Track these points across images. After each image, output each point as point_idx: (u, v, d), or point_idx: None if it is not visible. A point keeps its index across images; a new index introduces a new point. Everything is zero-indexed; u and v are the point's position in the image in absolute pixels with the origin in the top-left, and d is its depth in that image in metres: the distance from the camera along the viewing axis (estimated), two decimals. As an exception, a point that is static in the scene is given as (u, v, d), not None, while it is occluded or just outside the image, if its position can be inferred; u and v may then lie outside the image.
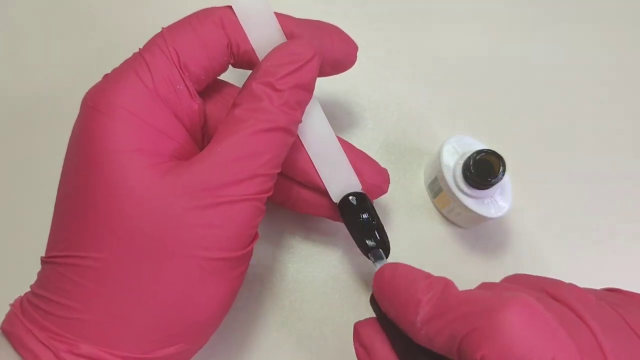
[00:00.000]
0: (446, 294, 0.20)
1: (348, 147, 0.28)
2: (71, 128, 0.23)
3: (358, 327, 0.24)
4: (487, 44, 0.40)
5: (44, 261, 0.22)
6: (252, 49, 0.24)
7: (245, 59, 0.25)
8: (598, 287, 0.34)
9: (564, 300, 0.20)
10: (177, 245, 0.21)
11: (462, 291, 0.21)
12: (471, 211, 0.31)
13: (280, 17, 0.25)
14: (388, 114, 0.37)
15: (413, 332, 0.21)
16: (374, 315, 0.25)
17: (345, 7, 0.39)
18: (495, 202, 0.31)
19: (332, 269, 0.32)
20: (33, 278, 0.23)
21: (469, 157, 0.30)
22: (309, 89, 0.24)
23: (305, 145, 0.26)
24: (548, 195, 0.36)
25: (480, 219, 0.31)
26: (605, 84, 0.39)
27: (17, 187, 0.33)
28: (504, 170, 0.29)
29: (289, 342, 0.30)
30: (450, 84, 0.38)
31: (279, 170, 0.24)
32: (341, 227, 0.30)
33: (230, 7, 0.24)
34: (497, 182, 0.30)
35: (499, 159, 0.30)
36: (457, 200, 0.31)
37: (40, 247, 0.23)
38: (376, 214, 0.27)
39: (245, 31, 0.24)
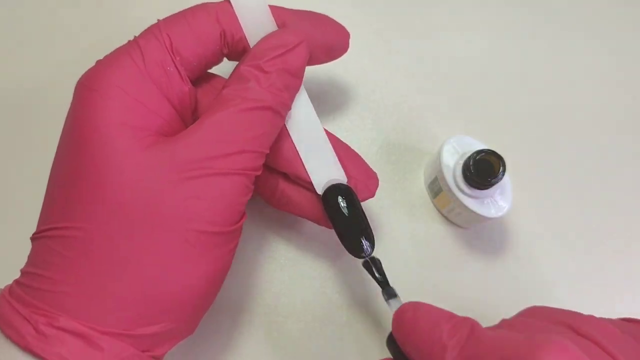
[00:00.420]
0: (474, 339, 0.20)
1: (337, 144, 0.28)
2: (61, 120, 0.23)
3: None
4: (487, 44, 0.40)
5: (33, 238, 0.22)
6: (245, 38, 0.25)
7: (239, 49, 0.25)
8: (598, 287, 0.34)
9: (590, 336, 0.20)
10: (161, 216, 0.21)
11: (490, 333, 0.20)
12: (471, 211, 0.31)
13: (273, 8, 0.26)
14: (388, 114, 0.37)
15: None
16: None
17: (345, 7, 0.39)
18: (495, 202, 0.31)
19: (333, 268, 0.32)
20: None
21: (469, 157, 0.30)
22: (296, 74, 0.24)
23: (290, 133, 0.26)
24: (548, 195, 0.36)
25: (480, 219, 0.31)
26: (605, 84, 0.39)
27: (12, 179, 0.33)
28: (504, 170, 0.29)
29: (289, 342, 0.30)
30: (450, 84, 0.38)
31: (267, 151, 0.24)
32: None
33: (225, 2, 0.25)
34: (497, 182, 0.30)
35: (499, 159, 0.30)
36: (457, 200, 0.31)
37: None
38: (361, 207, 0.26)
39: (240, 21, 0.25)
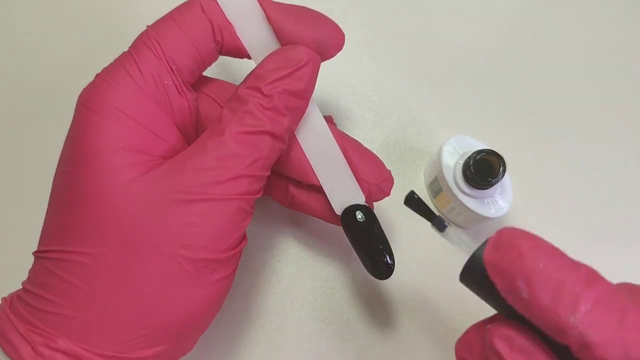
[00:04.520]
0: (620, 297, 0.17)
1: (349, 143, 0.27)
2: (65, 125, 0.23)
3: (509, 334, 0.19)
4: (487, 44, 0.40)
5: (34, 256, 0.23)
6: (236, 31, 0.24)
7: (231, 45, 0.24)
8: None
9: None
10: (158, 242, 0.21)
11: None
12: (471, 211, 0.31)
13: (262, 2, 0.25)
14: (388, 113, 0.37)
15: (561, 327, 0.17)
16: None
17: (345, 7, 0.39)
18: (495, 202, 0.31)
19: (333, 268, 0.32)
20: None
21: (469, 157, 0.30)
22: (301, 95, 0.24)
23: (304, 151, 0.26)
24: (548, 195, 0.36)
25: (481, 219, 0.31)
26: (606, 84, 0.39)
27: (14, 184, 0.33)
28: (504, 170, 0.29)
29: (289, 342, 0.30)
30: (450, 84, 0.38)
31: (267, 173, 0.23)
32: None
33: None
34: (497, 182, 0.30)
35: (499, 159, 0.30)
36: (457, 200, 0.31)
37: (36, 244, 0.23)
38: (380, 226, 0.27)
39: (227, 17, 0.24)
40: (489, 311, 0.24)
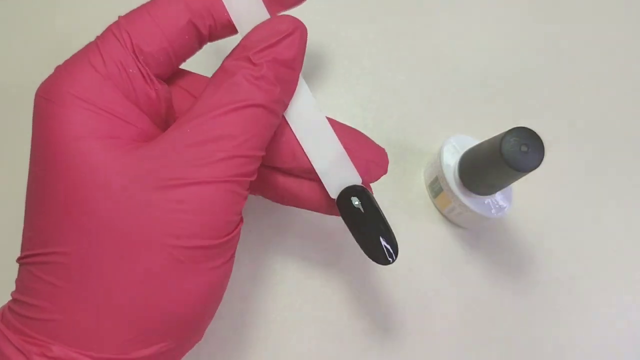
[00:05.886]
0: None
1: (338, 126, 0.26)
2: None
3: None
4: (487, 43, 0.40)
5: (19, 263, 0.22)
6: (230, 20, 0.23)
7: (221, 27, 0.23)
8: (599, 288, 0.34)
9: None
10: (144, 232, 0.19)
11: None
12: (472, 211, 0.31)
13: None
14: (388, 114, 0.37)
15: None
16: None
17: (345, 6, 0.39)
18: (495, 202, 0.31)
19: (333, 268, 0.32)
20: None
21: (470, 157, 0.30)
22: (291, 65, 0.22)
23: (293, 131, 0.24)
24: (548, 195, 0.36)
25: (481, 219, 0.31)
26: (605, 84, 0.39)
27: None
28: (504, 170, 0.29)
29: (289, 342, 0.30)
30: (451, 83, 0.38)
31: (262, 153, 0.22)
32: (342, 224, 0.30)
33: None
34: (497, 182, 0.29)
35: (500, 158, 0.30)
36: (457, 200, 0.31)
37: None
38: (378, 207, 0.25)
39: (229, 12, 0.23)
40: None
